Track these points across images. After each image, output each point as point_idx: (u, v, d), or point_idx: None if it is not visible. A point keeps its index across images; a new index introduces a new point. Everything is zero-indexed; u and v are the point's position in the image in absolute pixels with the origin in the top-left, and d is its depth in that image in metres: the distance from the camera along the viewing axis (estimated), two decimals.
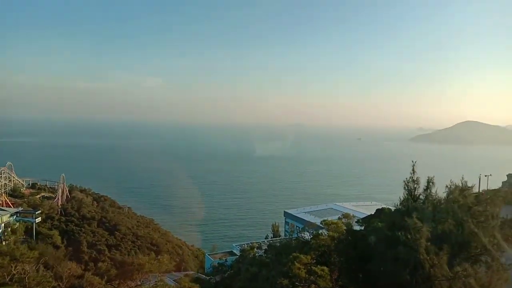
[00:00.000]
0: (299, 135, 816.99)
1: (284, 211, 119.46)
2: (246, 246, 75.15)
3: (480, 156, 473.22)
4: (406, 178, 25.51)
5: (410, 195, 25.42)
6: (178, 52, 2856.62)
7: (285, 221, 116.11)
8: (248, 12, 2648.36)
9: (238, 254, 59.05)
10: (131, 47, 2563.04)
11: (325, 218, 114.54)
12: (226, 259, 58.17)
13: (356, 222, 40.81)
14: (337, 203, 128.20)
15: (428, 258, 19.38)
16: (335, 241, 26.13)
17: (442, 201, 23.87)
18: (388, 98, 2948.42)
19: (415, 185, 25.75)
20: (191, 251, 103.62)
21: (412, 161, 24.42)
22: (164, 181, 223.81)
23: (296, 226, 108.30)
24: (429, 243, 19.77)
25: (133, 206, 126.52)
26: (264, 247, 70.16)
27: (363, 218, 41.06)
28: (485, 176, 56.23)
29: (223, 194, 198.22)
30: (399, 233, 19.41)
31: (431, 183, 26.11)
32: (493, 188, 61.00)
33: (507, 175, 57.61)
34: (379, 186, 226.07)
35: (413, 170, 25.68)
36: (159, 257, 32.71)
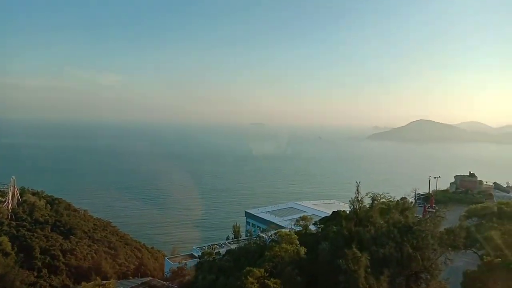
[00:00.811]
0: (260, 134, 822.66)
1: (245, 211, 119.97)
2: (206, 249, 74.91)
3: (431, 155, 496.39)
4: (351, 198, 26.50)
5: (356, 214, 26.46)
6: (137, 47, 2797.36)
7: (246, 221, 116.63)
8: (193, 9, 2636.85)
9: (198, 257, 58.65)
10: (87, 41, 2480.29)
11: (285, 217, 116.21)
12: (185, 263, 57.61)
13: (313, 224, 41.71)
14: (297, 202, 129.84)
15: (367, 285, 20.40)
16: (283, 263, 26.17)
17: (383, 225, 24.96)
18: (347, 98, 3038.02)
19: (359, 205, 26.81)
20: (150, 254, 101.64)
21: (356, 182, 25.35)
22: (124, 182, 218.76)
23: (257, 226, 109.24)
24: (369, 269, 20.85)
25: (89, 208, 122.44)
26: (226, 248, 70.24)
27: (320, 220, 41.99)
28: (434, 178, 59.19)
29: (185, 195, 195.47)
30: (340, 261, 20.38)
31: (375, 202, 27.29)
32: (442, 189, 64.35)
33: (454, 176, 60.81)
34: (338, 183, 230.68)
35: (357, 190, 26.68)
36: (104, 282, 31.59)
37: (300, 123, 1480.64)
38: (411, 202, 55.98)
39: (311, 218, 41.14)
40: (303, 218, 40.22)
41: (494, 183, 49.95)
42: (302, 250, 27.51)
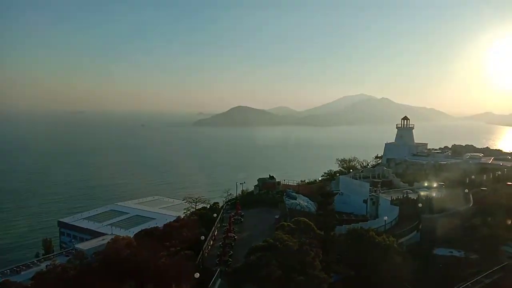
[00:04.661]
0: (80, 123, 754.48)
1: (58, 221, 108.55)
2: (8, 272, 65.46)
3: (248, 137, 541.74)
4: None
5: None
6: None
7: (60, 231, 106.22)
8: None
9: None
10: None
11: (106, 222, 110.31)
12: None
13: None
14: (119, 203, 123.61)
15: None
16: None
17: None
18: (171, 85, 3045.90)
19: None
20: None
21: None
22: None
23: (74, 236, 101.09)
24: None
25: None
26: (35, 268, 62.67)
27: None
28: (240, 184, 65.75)
29: None
30: None
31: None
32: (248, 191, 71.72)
33: (258, 180, 68.54)
34: (164, 177, 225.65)
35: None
36: None
37: (122, 109, 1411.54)
38: (222, 207, 61.08)
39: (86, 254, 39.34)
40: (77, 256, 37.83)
41: (287, 191, 57.64)
42: None
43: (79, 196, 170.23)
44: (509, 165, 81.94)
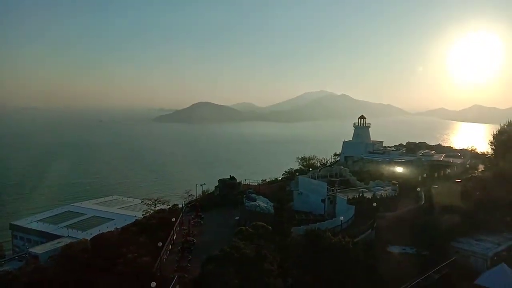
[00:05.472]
0: (35, 119, 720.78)
1: (10, 224, 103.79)
2: None
3: (211, 133, 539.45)
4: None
5: None
6: None
7: (13, 234, 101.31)
8: None
9: None
10: None
11: (62, 224, 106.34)
12: None
13: None
14: (75, 204, 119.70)
15: None
16: None
17: None
18: (132, 80, 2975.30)
19: None
20: None
21: None
22: None
23: (27, 240, 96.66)
24: None
25: None
26: None
27: None
28: (201, 185, 65.44)
29: None
30: None
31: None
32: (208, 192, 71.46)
33: (218, 180, 68.31)
34: (121, 176, 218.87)
35: None
36: None
37: (80, 105, 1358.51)
38: (181, 209, 60.34)
39: None
40: None
41: (247, 192, 57.64)
42: None
43: (33, 197, 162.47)
44: (458, 162, 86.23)
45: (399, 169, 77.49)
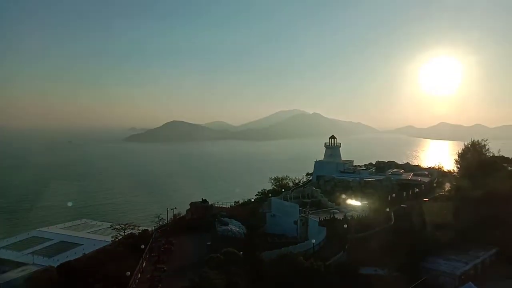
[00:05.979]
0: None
1: None
2: None
3: (184, 153, 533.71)
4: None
5: None
6: None
7: None
8: None
9: None
10: None
11: (27, 251, 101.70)
12: None
13: None
14: (41, 229, 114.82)
15: None
16: None
17: None
18: (101, 99, 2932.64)
19: None
20: None
21: None
22: None
23: None
24: None
25: None
26: None
27: None
28: (171, 209, 64.20)
29: None
30: None
31: None
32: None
33: (190, 204, 67.16)
34: (89, 198, 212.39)
35: None
36: None
37: (48, 124, 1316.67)
38: (152, 234, 58.73)
39: None
40: None
41: (219, 216, 56.95)
42: None
43: None
44: (426, 181, 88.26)
45: (369, 189, 78.64)
